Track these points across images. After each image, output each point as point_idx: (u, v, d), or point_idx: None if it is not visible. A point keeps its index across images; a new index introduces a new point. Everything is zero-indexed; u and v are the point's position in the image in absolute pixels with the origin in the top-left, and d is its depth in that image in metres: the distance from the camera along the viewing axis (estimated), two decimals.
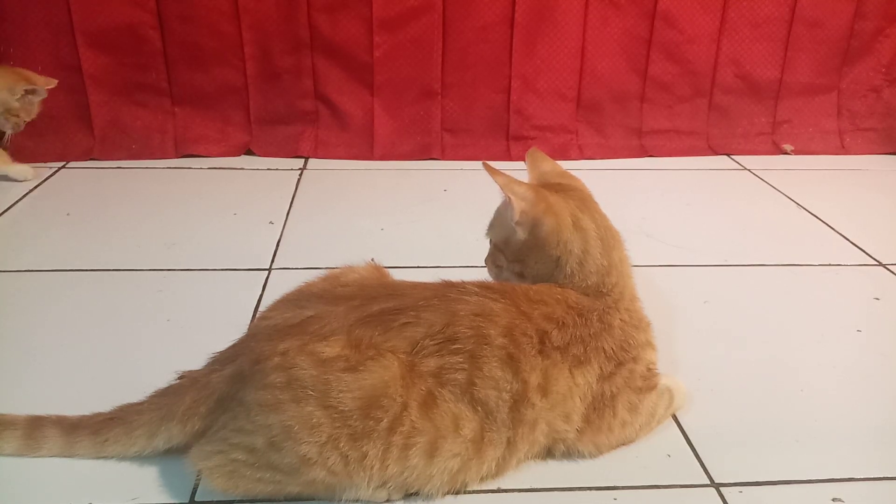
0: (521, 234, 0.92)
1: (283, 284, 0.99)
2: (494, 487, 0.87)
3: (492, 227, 0.99)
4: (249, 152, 2.04)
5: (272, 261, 1.44)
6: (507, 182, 0.90)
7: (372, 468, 0.79)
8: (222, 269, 1.40)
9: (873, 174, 2.06)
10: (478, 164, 2.15)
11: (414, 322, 0.82)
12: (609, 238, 0.93)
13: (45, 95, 1.77)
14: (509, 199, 0.90)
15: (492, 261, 0.99)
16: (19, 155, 1.86)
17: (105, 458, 0.88)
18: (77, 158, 1.94)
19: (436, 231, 1.60)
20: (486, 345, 0.82)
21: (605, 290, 0.91)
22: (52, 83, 1.79)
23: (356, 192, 1.84)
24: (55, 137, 1.80)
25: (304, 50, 1.98)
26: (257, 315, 1.16)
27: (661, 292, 1.35)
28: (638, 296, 0.96)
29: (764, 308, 1.32)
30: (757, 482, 0.90)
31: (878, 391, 1.09)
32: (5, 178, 1.78)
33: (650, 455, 0.94)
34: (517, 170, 0.98)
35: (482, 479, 0.86)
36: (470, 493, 0.86)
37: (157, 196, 1.76)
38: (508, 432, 0.84)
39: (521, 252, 0.94)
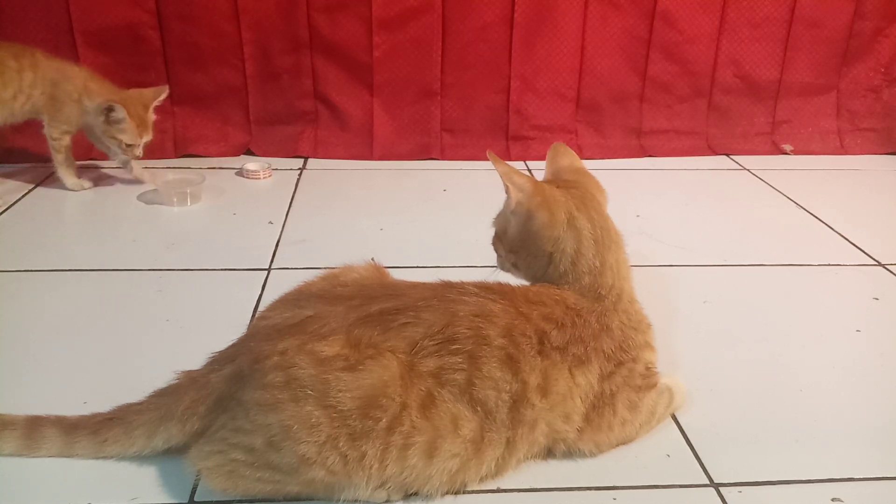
0: (515, 224, 0.94)
1: (282, 284, 0.99)
2: (494, 487, 0.87)
3: (497, 216, 0.99)
4: (249, 152, 2.04)
5: (271, 261, 1.44)
6: (506, 171, 0.92)
7: (371, 468, 0.78)
8: (222, 269, 1.40)
9: (873, 174, 2.06)
10: (477, 164, 2.17)
11: (413, 322, 0.82)
12: (605, 239, 0.93)
13: (122, 115, 1.65)
14: (507, 187, 0.92)
15: (493, 247, 1.00)
16: (18, 155, 1.86)
17: (104, 458, 0.88)
18: (76, 158, 1.94)
19: (435, 231, 1.60)
20: (485, 345, 0.82)
21: (602, 293, 0.91)
22: (161, 94, 1.72)
23: (355, 192, 1.84)
24: None
25: (304, 50, 1.98)
26: (256, 315, 1.16)
27: (661, 292, 1.35)
28: (636, 298, 0.96)
29: (764, 308, 1.32)
30: (756, 482, 0.90)
31: (878, 391, 1.09)
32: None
33: (650, 455, 0.94)
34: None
35: (482, 480, 0.85)
36: (469, 493, 0.86)
37: (157, 196, 1.76)
38: (508, 432, 0.84)
39: (514, 243, 0.95)
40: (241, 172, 1.90)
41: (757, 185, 1.94)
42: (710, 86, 2.13)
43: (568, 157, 1.04)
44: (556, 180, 1.00)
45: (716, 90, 2.14)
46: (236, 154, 2.02)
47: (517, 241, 0.94)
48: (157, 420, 0.85)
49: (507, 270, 0.99)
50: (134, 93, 1.72)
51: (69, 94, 1.68)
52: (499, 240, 0.98)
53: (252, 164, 1.92)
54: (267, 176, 1.89)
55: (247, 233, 1.57)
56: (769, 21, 2.09)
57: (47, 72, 1.67)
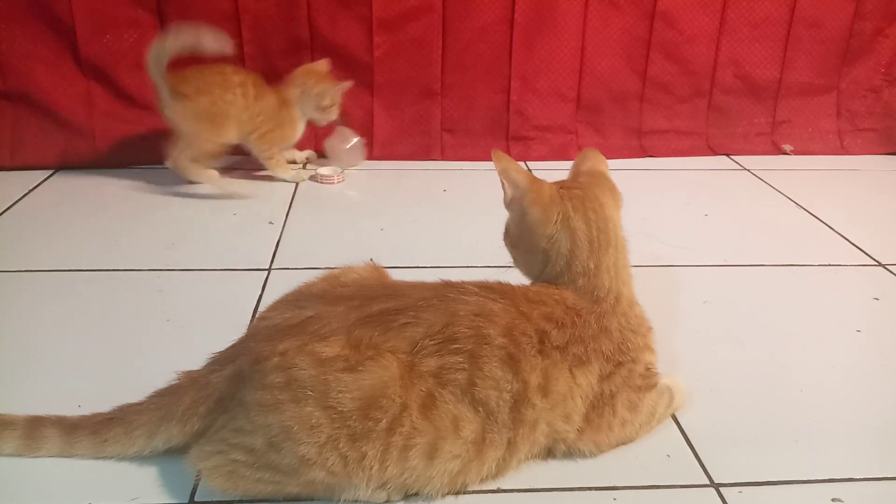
0: (512, 219, 0.96)
1: (282, 285, 0.99)
2: (494, 487, 0.87)
3: None
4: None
5: (272, 261, 1.44)
6: (504, 168, 0.93)
7: (371, 469, 0.78)
8: (222, 270, 1.40)
9: (873, 174, 2.06)
10: (477, 165, 2.16)
11: (413, 322, 0.82)
12: (601, 242, 0.92)
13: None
14: (502, 183, 0.94)
15: (503, 240, 1.01)
16: (19, 152, 1.86)
17: (104, 458, 0.88)
18: (77, 158, 1.94)
19: (435, 231, 1.60)
20: (486, 345, 0.82)
21: (600, 295, 0.91)
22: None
23: (356, 193, 1.84)
24: (55, 137, 1.80)
25: (304, 50, 1.98)
26: (257, 315, 1.16)
27: (661, 292, 1.35)
28: (637, 301, 0.96)
29: (764, 308, 1.32)
30: (756, 482, 0.90)
31: (878, 391, 1.09)
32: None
33: (650, 455, 0.94)
34: None
35: (482, 480, 0.86)
36: (470, 493, 0.86)
37: (157, 196, 1.76)
38: (509, 433, 0.84)
39: (514, 238, 0.97)
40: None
41: (757, 185, 1.94)
42: (710, 86, 2.13)
43: (590, 162, 1.02)
44: (563, 180, 0.99)
45: (716, 90, 2.14)
46: (237, 154, 2.02)
47: (516, 236, 0.96)
48: (157, 420, 0.86)
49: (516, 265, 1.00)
50: (310, 73, 1.87)
51: (287, 113, 1.83)
52: (506, 233, 1.00)
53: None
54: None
55: (247, 233, 1.57)
56: (769, 21, 2.09)
57: (263, 93, 1.79)
